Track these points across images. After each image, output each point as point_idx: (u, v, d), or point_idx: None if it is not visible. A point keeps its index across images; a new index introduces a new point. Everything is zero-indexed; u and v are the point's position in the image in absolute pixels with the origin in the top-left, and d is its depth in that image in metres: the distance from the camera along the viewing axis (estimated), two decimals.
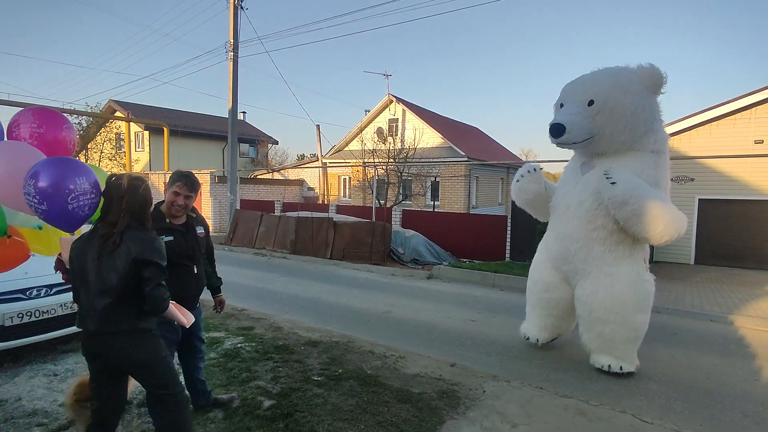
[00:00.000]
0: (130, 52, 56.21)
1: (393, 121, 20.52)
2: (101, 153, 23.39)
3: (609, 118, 4.00)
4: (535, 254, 5.00)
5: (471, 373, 4.22)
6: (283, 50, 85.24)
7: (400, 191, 17.09)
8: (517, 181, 4.82)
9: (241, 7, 14.80)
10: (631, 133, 4.05)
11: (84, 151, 24.16)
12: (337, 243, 10.91)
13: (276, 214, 13.93)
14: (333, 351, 4.65)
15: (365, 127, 20.69)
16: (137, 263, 2.21)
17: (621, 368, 4.24)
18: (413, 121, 19.53)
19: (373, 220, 12.50)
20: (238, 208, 15.72)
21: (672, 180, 12.62)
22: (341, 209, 14.70)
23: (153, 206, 2.47)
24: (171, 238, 2.86)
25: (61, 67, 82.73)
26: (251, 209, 14.77)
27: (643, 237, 3.99)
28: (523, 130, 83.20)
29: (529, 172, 4.75)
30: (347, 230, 10.97)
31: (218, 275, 3.47)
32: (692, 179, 12.32)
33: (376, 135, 19.29)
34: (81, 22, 74.48)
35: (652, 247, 12.26)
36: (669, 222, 3.82)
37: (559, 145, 4.25)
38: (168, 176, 18.65)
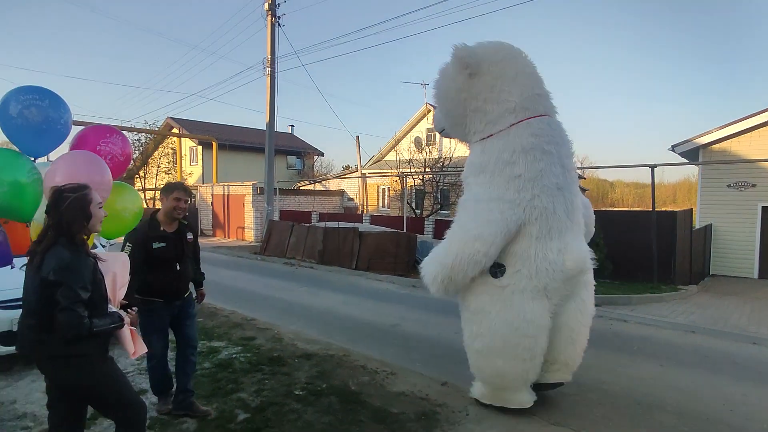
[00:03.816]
0: (182, 71, 60.01)
1: (431, 131, 20.34)
2: (158, 167, 24.86)
3: (439, 106, 4.17)
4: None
5: (461, 393, 4.00)
6: (322, 63, 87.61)
7: (438, 201, 16.85)
8: None
9: (279, 24, 15.32)
10: (452, 116, 4.02)
11: (144, 166, 25.84)
12: (363, 253, 10.89)
13: (308, 224, 14.16)
14: (325, 364, 4.58)
15: (403, 137, 20.69)
16: (46, 284, 1.99)
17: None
18: None
19: (404, 230, 12.39)
20: (276, 218, 16.12)
21: (730, 186, 11.69)
22: (375, 219, 14.71)
23: (90, 219, 2.17)
24: (163, 244, 3.29)
25: (119, 88, 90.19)
26: (290, 220, 15.09)
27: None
28: (577, 135, 79.76)
29: None
30: (372, 240, 10.93)
31: (202, 271, 3.82)
32: (754, 185, 11.24)
33: (413, 144, 19.21)
34: (135, 44, 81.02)
35: (708, 261, 11.34)
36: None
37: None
38: (215, 188, 19.33)
